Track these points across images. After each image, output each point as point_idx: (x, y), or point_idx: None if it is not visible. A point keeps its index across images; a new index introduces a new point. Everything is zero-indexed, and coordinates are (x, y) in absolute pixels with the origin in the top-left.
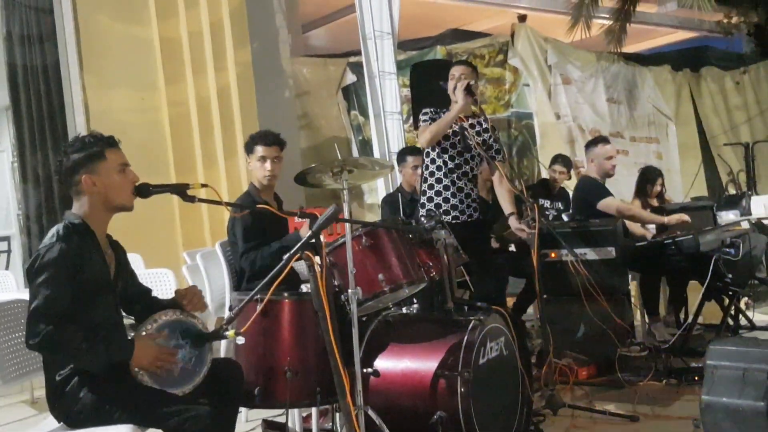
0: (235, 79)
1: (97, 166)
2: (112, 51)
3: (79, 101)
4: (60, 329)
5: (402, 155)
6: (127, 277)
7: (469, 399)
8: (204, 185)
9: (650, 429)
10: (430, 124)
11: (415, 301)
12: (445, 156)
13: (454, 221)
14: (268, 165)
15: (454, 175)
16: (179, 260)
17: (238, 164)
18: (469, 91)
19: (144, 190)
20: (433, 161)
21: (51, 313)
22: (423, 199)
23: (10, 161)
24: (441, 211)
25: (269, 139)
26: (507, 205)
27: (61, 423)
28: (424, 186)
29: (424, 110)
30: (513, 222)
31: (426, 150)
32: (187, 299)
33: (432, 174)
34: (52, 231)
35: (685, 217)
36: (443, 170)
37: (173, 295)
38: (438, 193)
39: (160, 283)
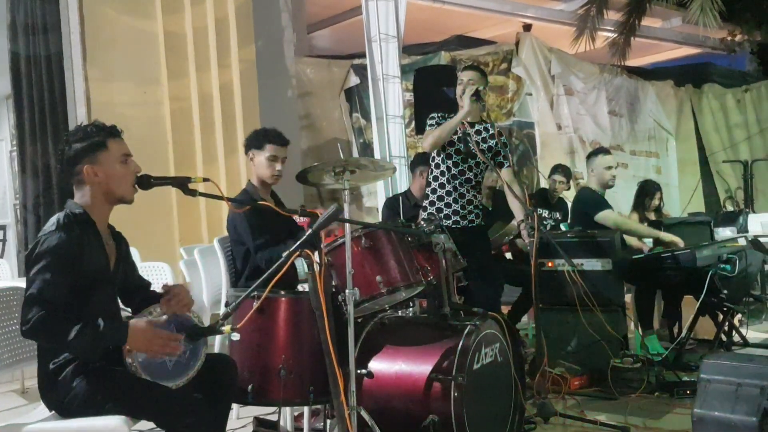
0: (239, 76)
1: (99, 156)
2: (116, 43)
3: (81, 93)
4: (52, 315)
5: (423, 162)
6: (128, 268)
7: (462, 404)
8: (206, 179)
9: None
10: (435, 128)
11: (411, 304)
12: (449, 162)
13: (454, 226)
14: (278, 165)
15: (457, 181)
16: (176, 255)
17: (238, 162)
18: (477, 96)
19: (145, 181)
20: (437, 166)
21: (44, 299)
22: (425, 203)
23: (9, 150)
24: (441, 215)
25: (282, 140)
26: (517, 212)
27: (53, 411)
28: (428, 190)
29: (432, 114)
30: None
31: (432, 155)
32: (171, 296)
33: (435, 179)
34: (53, 219)
35: (678, 239)
36: (446, 176)
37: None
38: (440, 198)
39: (157, 277)
